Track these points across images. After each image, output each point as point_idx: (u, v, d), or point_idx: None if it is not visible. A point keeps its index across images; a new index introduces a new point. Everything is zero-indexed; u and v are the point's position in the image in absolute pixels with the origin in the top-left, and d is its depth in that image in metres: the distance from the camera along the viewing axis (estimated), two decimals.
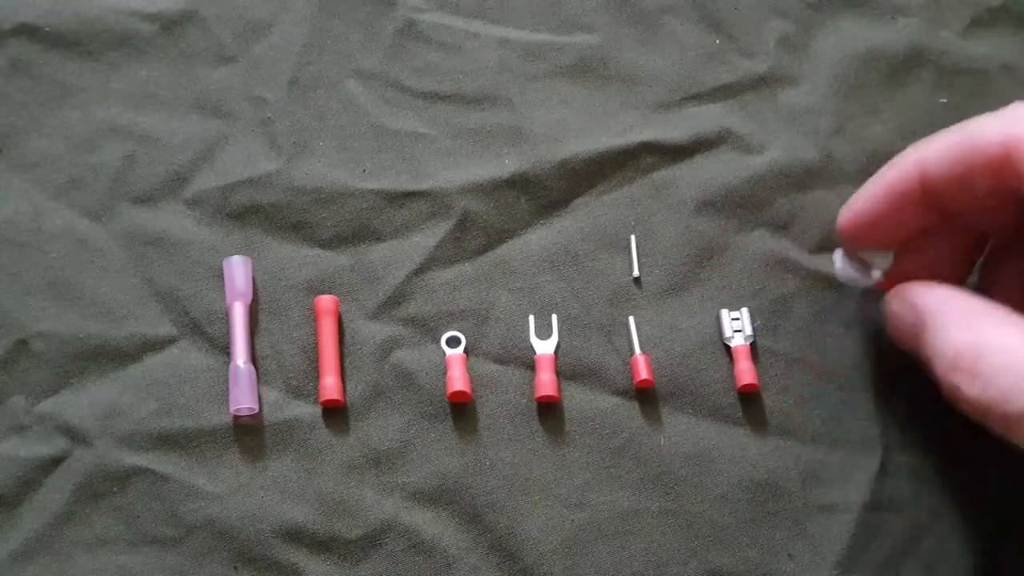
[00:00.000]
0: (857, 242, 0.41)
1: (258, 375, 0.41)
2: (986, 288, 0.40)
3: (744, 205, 0.46)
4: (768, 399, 0.42)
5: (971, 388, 0.33)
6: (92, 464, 0.40)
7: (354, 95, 0.47)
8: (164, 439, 0.40)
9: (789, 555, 0.40)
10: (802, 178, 0.46)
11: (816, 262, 0.44)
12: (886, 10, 0.51)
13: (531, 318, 0.43)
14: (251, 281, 0.43)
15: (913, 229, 0.38)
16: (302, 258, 0.44)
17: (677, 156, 0.47)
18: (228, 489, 0.40)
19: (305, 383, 0.42)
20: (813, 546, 0.40)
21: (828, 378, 0.43)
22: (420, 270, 0.44)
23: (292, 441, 0.41)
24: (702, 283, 0.44)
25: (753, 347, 0.43)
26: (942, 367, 0.35)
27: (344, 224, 0.44)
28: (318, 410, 0.41)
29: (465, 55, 0.48)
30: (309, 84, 0.47)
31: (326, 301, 0.42)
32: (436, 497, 0.40)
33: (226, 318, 0.42)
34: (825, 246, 0.45)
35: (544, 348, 0.43)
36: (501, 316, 0.43)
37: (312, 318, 0.43)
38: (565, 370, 0.42)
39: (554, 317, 0.43)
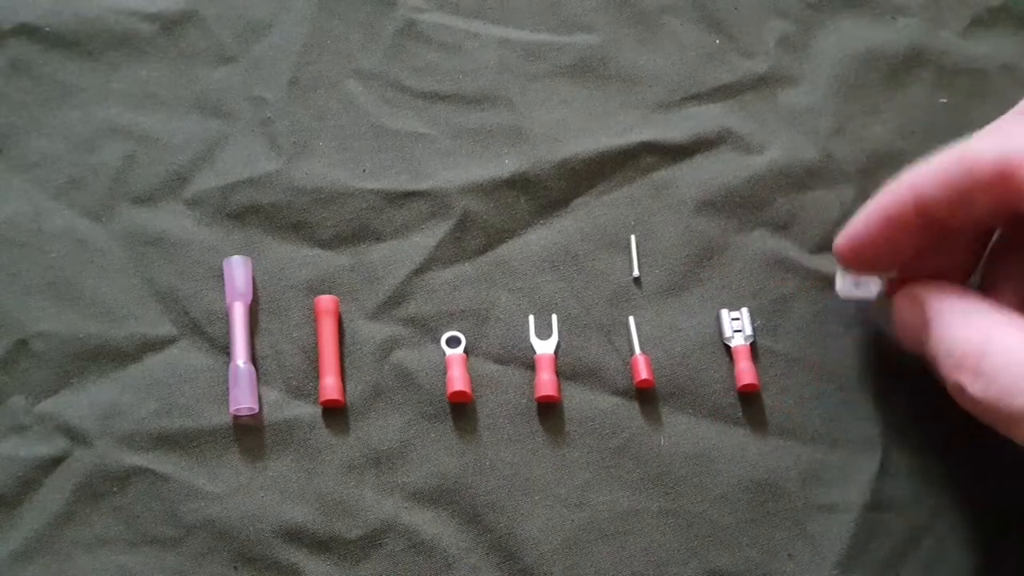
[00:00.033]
0: (855, 267, 0.41)
1: (258, 375, 0.41)
2: (988, 288, 0.40)
3: (744, 205, 0.46)
4: (768, 399, 0.42)
5: (975, 386, 0.34)
6: (92, 464, 0.40)
7: (354, 95, 0.47)
8: (164, 439, 0.40)
9: (789, 555, 0.40)
10: (802, 178, 0.46)
11: (816, 262, 0.44)
12: (886, 10, 0.51)
13: (531, 318, 0.43)
14: (251, 281, 0.43)
15: (910, 251, 0.38)
16: (302, 258, 0.44)
17: (677, 156, 0.47)
18: (228, 489, 0.40)
19: (305, 383, 0.42)
20: (813, 546, 0.40)
21: (828, 378, 0.43)
22: (420, 270, 0.44)
23: (292, 441, 0.41)
24: (702, 283, 0.44)
25: (753, 347, 0.43)
26: (948, 366, 0.35)
27: (344, 224, 0.44)
28: (318, 410, 0.41)
29: (465, 55, 0.48)
30: (309, 84, 0.47)
31: (326, 301, 0.42)
32: (436, 497, 0.40)
33: (226, 318, 0.42)
34: (825, 246, 0.45)
35: (544, 348, 0.43)
36: (501, 316, 0.43)
37: (312, 318, 0.43)
38: (565, 370, 0.42)
39: (554, 317, 0.43)
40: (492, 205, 0.45)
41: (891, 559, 0.40)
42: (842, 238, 0.40)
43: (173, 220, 0.44)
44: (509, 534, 0.39)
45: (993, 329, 0.34)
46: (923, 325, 0.37)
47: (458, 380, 0.41)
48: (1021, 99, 0.38)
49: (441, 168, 0.46)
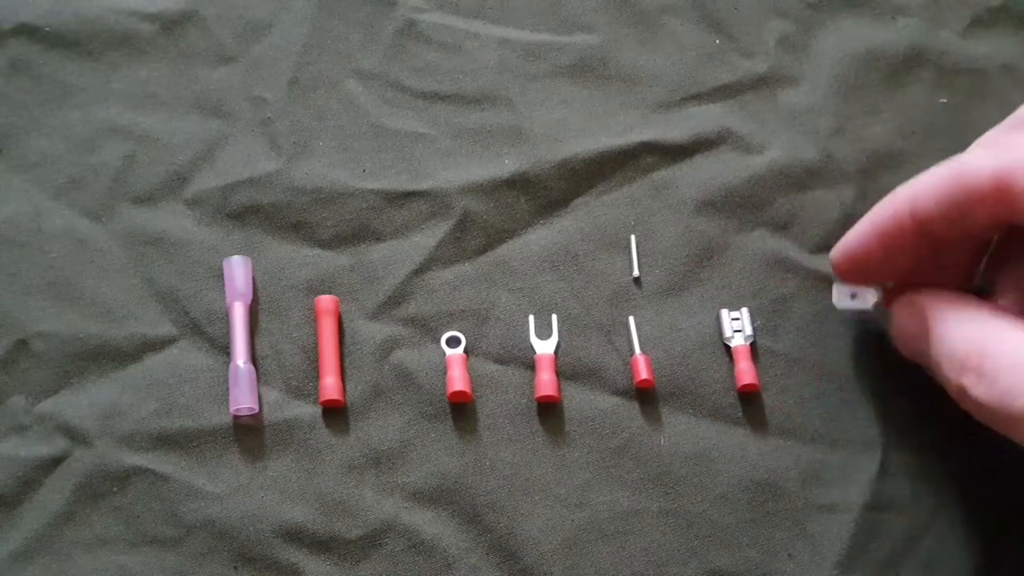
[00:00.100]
0: (852, 279, 0.41)
1: (258, 375, 0.41)
2: (988, 293, 0.41)
3: (744, 205, 0.46)
4: (768, 399, 0.42)
5: (977, 389, 0.34)
6: (92, 464, 0.40)
7: (354, 95, 0.47)
8: (164, 439, 0.40)
9: (789, 555, 0.40)
10: (802, 178, 0.46)
11: (816, 262, 0.44)
12: (886, 10, 0.51)
13: (531, 318, 0.43)
14: (251, 281, 0.43)
15: (908, 263, 0.38)
16: (302, 258, 0.44)
17: (677, 156, 0.47)
18: (228, 489, 0.40)
19: (305, 383, 0.42)
20: (813, 546, 0.40)
21: (828, 378, 0.43)
22: (420, 270, 0.44)
23: (292, 441, 0.41)
24: (702, 283, 0.44)
25: (753, 347, 0.43)
26: (951, 369, 0.35)
27: (344, 224, 0.44)
28: (318, 410, 0.41)
29: (465, 55, 0.48)
30: (309, 84, 0.47)
31: (326, 301, 0.42)
32: (436, 497, 0.40)
33: (226, 318, 0.42)
34: (825, 246, 0.44)
35: (544, 348, 0.43)
36: (501, 316, 0.43)
37: (312, 318, 0.43)
38: (565, 370, 0.42)
39: (554, 317, 0.43)
40: (492, 205, 0.45)
41: (891, 559, 0.40)
42: (838, 251, 0.40)
43: (173, 220, 0.44)
44: (509, 534, 0.39)
45: (993, 331, 0.35)
46: (924, 332, 0.37)
47: (458, 380, 0.41)
48: (1021, 100, 0.38)
49: (441, 168, 0.46)
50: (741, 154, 0.47)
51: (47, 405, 0.41)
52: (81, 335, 0.42)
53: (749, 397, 0.42)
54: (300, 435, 0.41)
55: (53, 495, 0.39)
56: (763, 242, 0.45)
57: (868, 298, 0.41)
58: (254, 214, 0.44)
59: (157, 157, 0.45)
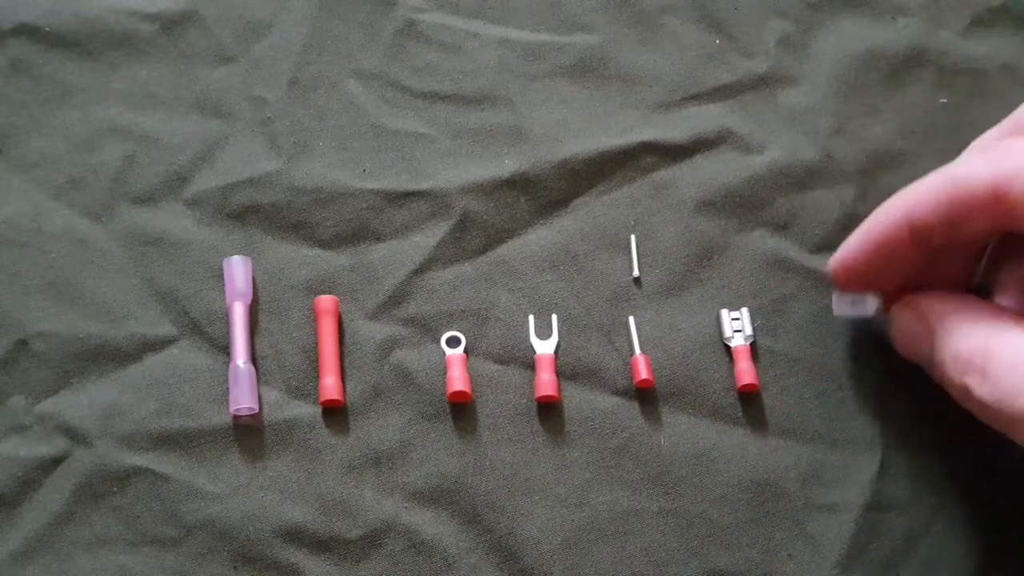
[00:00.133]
0: (851, 288, 0.41)
1: (258, 375, 0.41)
2: (989, 292, 0.41)
3: (744, 205, 0.46)
4: (768, 399, 0.42)
5: (981, 388, 0.34)
6: (92, 464, 0.40)
7: (354, 95, 0.47)
8: (164, 439, 0.40)
9: (789, 555, 0.40)
10: (802, 178, 0.46)
11: (816, 262, 0.44)
12: (886, 10, 0.51)
13: (531, 318, 0.43)
14: (251, 281, 0.43)
15: (906, 270, 0.38)
16: (302, 258, 0.44)
17: (677, 156, 0.47)
18: (228, 489, 0.40)
19: (305, 383, 0.42)
20: (813, 546, 0.40)
21: (828, 378, 0.43)
22: (420, 270, 0.44)
23: (292, 441, 0.41)
24: (702, 283, 0.44)
25: (753, 347, 0.43)
26: (955, 370, 0.35)
27: (344, 224, 0.44)
28: (318, 410, 0.41)
29: (465, 55, 0.48)
30: (309, 84, 0.47)
31: (326, 301, 0.42)
32: (436, 497, 0.40)
33: (226, 318, 0.42)
34: (825, 246, 0.45)
35: (544, 348, 0.43)
36: (501, 316, 0.43)
37: (312, 318, 0.43)
38: (565, 370, 0.42)
39: (554, 317, 0.43)
40: (492, 205, 0.45)
41: (891, 559, 0.40)
42: (836, 261, 0.40)
43: (173, 220, 0.44)
44: (509, 534, 0.39)
45: (997, 332, 0.35)
46: (926, 334, 0.37)
47: (458, 380, 0.41)
48: (1021, 100, 0.38)
49: (441, 168, 0.46)
50: (741, 154, 0.47)
51: (47, 405, 0.41)
52: (81, 335, 0.42)
53: (749, 397, 0.42)
54: (300, 435, 0.41)
55: (53, 495, 0.39)
56: (763, 242, 0.45)
57: (868, 305, 0.41)
58: (254, 214, 0.44)
59: (157, 157, 0.45)
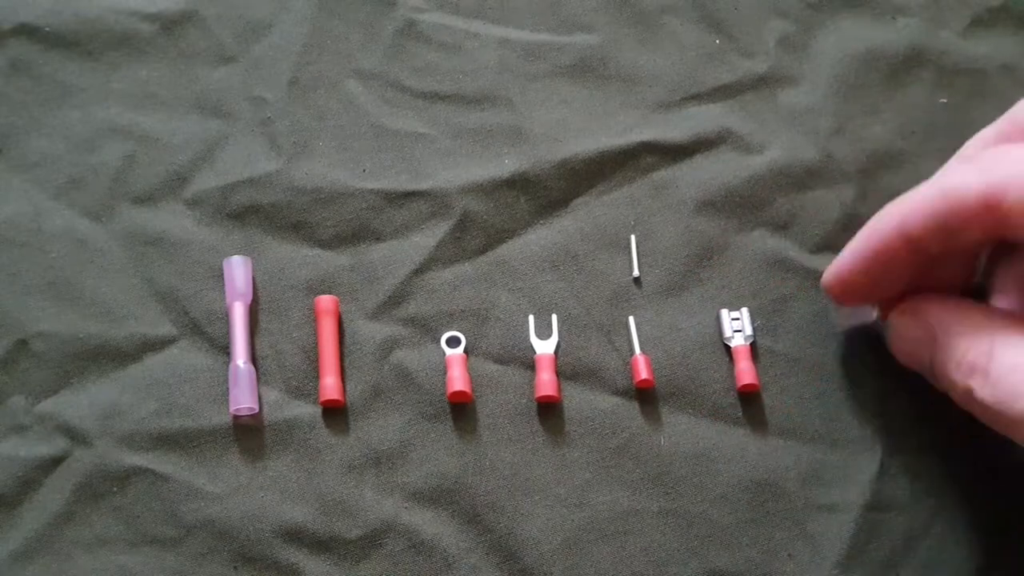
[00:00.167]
0: (846, 302, 0.41)
1: (258, 375, 0.41)
2: (988, 293, 0.41)
3: (744, 205, 0.46)
4: (768, 399, 0.42)
5: (984, 391, 0.34)
6: (92, 464, 0.40)
7: (354, 95, 0.47)
8: (164, 439, 0.40)
9: (789, 555, 0.40)
10: (802, 178, 0.46)
11: (816, 262, 0.44)
12: (886, 10, 0.51)
13: (531, 318, 0.43)
14: (251, 281, 0.43)
15: (901, 282, 0.38)
16: (302, 258, 0.44)
17: (677, 156, 0.47)
18: (228, 489, 0.40)
19: (305, 383, 0.42)
20: (813, 546, 0.40)
21: (828, 378, 0.43)
22: (420, 270, 0.44)
23: (292, 441, 0.41)
24: (702, 283, 0.44)
25: (753, 347, 0.43)
26: (959, 373, 0.35)
27: (344, 224, 0.44)
28: (318, 410, 0.41)
29: (465, 55, 0.48)
30: (309, 84, 0.47)
31: (326, 301, 0.42)
32: (436, 497, 0.40)
33: (226, 318, 0.42)
34: (825, 246, 0.45)
35: (544, 348, 0.43)
36: (501, 316, 0.43)
37: (312, 318, 0.43)
38: (565, 370, 0.42)
39: (554, 317, 0.43)
40: (492, 205, 0.45)
41: (891, 559, 0.40)
42: (831, 275, 0.40)
43: (173, 220, 0.44)
44: (509, 534, 0.39)
45: (998, 334, 0.35)
46: (927, 340, 0.37)
47: (458, 380, 0.41)
48: (1020, 99, 0.38)
49: (441, 168, 0.46)
50: (741, 154, 0.47)
51: (47, 405, 0.41)
52: (81, 335, 0.42)
53: (749, 397, 0.42)
54: (300, 435, 0.41)
55: (53, 495, 0.39)
56: (763, 242, 0.45)
57: (869, 314, 0.41)
58: (254, 214, 0.44)
59: (157, 157, 0.45)
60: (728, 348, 0.43)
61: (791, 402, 0.42)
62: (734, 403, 0.42)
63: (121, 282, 0.43)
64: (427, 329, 0.43)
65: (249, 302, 0.42)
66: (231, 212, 0.44)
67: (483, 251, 0.44)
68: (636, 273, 0.44)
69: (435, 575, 0.39)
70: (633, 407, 0.42)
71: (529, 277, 0.44)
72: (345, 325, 0.43)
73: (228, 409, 0.41)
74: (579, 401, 0.42)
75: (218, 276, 0.43)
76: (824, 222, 0.45)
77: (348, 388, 0.42)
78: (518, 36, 0.49)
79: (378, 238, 0.44)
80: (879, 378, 0.42)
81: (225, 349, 0.42)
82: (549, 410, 0.42)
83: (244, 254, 0.43)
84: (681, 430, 0.42)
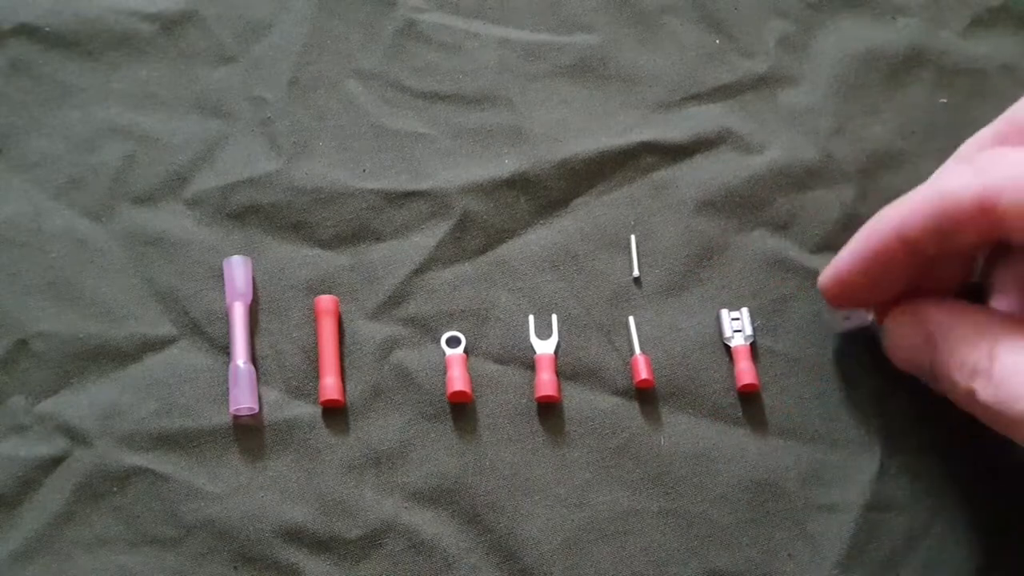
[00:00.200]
0: (843, 304, 0.41)
1: (258, 375, 0.41)
2: (987, 293, 0.41)
3: (744, 205, 0.46)
4: (768, 399, 0.42)
5: (985, 391, 0.34)
6: (92, 464, 0.40)
7: (354, 95, 0.47)
8: (164, 439, 0.40)
9: (789, 555, 0.40)
10: (802, 178, 0.46)
11: (816, 262, 0.44)
12: (886, 10, 0.51)
13: (531, 318, 0.43)
14: (251, 281, 0.43)
15: (899, 284, 0.38)
16: (302, 258, 0.44)
17: (677, 156, 0.47)
18: (228, 489, 0.40)
19: (305, 383, 0.42)
20: (813, 546, 0.40)
21: (828, 378, 0.43)
22: (420, 270, 0.44)
23: (292, 441, 0.41)
24: (702, 283, 0.44)
25: (753, 347, 0.43)
26: (961, 375, 0.35)
27: (344, 224, 0.44)
28: (318, 410, 0.41)
29: (465, 55, 0.48)
30: (309, 84, 0.47)
31: (326, 301, 0.42)
32: (436, 497, 0.40)
33: (226, 318, 0.42)
34: (825, 246, 0.45)
35: (544, 348, 0.43)
36: (501, 316, 0.43)
37: (312, 318, 0.43)
38: (565, 370, 0.42)
39: (554, 317, 0.43)
40: (492, 205, 0.45)
41: (891, 559, 0.40)
42: (827, 277, 0.40)
43: (173, 220, 0.44)
44: (509, 534, 0.39)
45: (1000, 336, 0.35)
46: (926, 343, 0.37)
47: (458, 380, 0.41)
48: (1020, 99, 0.38)
49: (441, 168, 0.46)
50: (741, 154, 0.47)
51: (47, 405, 0.41)
52: (81, 335, 0.42)
53: (749, 397, 0.42)
54: (300, 435, 0.41)
55: (53, 495, 0.39)
56: (763, 242, 0.45)
57: (864, 317, 0.41)
58: (254, 214, 0.44)
59: (157, 157, 0.45)
60: (728, 348, 0.43)
61: (791, 402, 0.42)
62: (734, 403, 0.42)
63: (121, 282, 0.43)
64: (427, 329, 0.43)
65: (249, 302, 0.42)
66: (231, 212, 0.44)
67: (483, 251, 0.44)
68: (636, 273, 0.44)
69: (435, 575, 0.39)
70: (633, 407, 0.42)
71: (529, 277, 0.44)
72: (345, 325, 0.43)
73: (228, 409, 0.41)
74: (579, 401, 0.42)
75: (218, 276, 0.43)
76: (824, 222, 0.45)
77: (348, 388, 0.42)
78: (518, 36, 0.49)
79: (378, 238, 0.44)
80: (879, 378, 0.42)
81: (225, 349, 0.42)
82: (549, 410, 0.42)
83: (244, 254, 0.43)
84: (681, 430, 0.42)
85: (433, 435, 0.41)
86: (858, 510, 0.40)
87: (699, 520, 0.40)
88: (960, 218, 0.34)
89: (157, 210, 0.44)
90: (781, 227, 0.46)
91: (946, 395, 0.37)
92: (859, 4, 0.51)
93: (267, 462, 0.40)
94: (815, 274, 0.44)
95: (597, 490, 0.40)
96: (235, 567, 0.39)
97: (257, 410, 0.41)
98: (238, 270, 0.43)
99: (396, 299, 0.43)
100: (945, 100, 0.49)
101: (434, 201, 0.45)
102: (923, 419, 0.42)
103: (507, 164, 0.46)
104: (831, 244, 0.44)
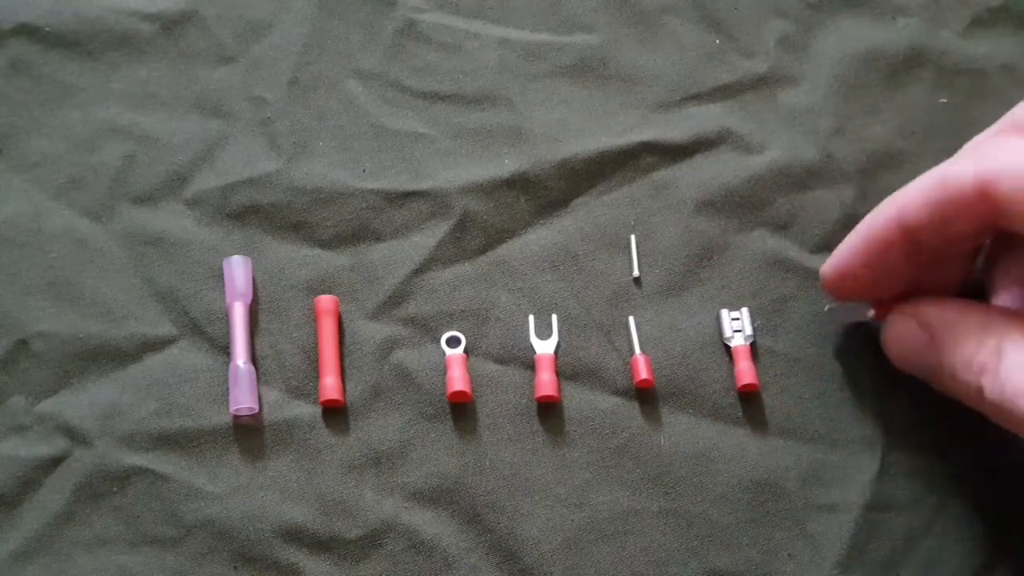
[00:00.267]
0: (844, 295, 0.41)
1: (258, 375, 0.41)
2: (988, 292, 0.41)
3: (744, 205, 0.46)
4: (768, 399, 0.42)
5: (993, 388, 0.34)
6: (92, 464, 0.40)
7: (354, 95, 0.47)
8: (164, 439, 0.40)
9: (789, 555, 0.40)
10: (802, 178, 0.46)
11: (816, 262, 0.44)
12: (886, 10, 0.51)
13: (531, 318, 0.43)
14: (251, 281, 0.43)
15: (899, 277, 0.38)
16: (302, 258, 0.44)
17: (677, 156, 0.47)
18: (228, 489, 0.40)
19: (305, 383, 0.42)
20: (813, 546, 0.40)
21: (828, 378, 0.43)
22: (420, 270, 0.44)
23: (292, 441, 0.41)
24: (702, 283, 0.44)
25: (753, 347, 0.43)
26: (971, 373, 0.35)
27: (344, 224, 0.44)
28: (318, 410, 0.41)
29: (465, 55, 0.48)
30: (309, 84, 0.47)
31: (326, 301, 0.42)
32: (436, 497, 0.40)
33: (226, 318, 0.42)
34: (825, 246, 0.45)
35: (544, 348, 0.43)
36: (501, 316, 0.43)
37: (312, 318, 0.43)
38: (565, 370, 0.42)
39: (554, 317, 0.43)
40: (492, 205, 0.45)
41: (891, 559, 0.40)
42: (828, 267, 0.40)
43: (173, 220, 0.44)
44: (509, 534, 0.39)
45: (1007, 332, 0.35)
46: (929, 343, 0.37)
47: (458, 380, 0.41)
48: (1021, 100, 0.38)
49: (441, 168, 0.46)
50: (741, 154, 0.47)
51: (47, 405, 0.41)
52: (81, 335, 0.42)
53: (749, 397, 0.42)
54: (300, 435, 0.41)
55: (53, 495, 0.39)
56: (763, 242, 0.45)
57: (862, 312, 0.41)
58: (254, 214, 0.44)
59: (157, 157, 0.45)
60: (728, 348, 0.43)
61: (791, 402, 0.42)
62: (734, 403, 0.42)
63: (121, 282, 0.43)
64: (427, 329, 0.43)
65: (249, 302, 0.42)
66: (231, 212, 0.44)
67: (483, 251, 0.44)
68: (636, 273, 0.44)
69: (435, 575, 0.39)
70: (633, 407, 0.42)
71: (529, 277, 0.44)
72: (345, 325, 0.43)
73: (228, 409, 0.41)
74: (579, 401, 0.42)
75: (218, 276, 0.43)
76: (824, 222, 0.46)
77: (348, 388, 0.42)
78: (518, 36, 0.49)
79: (378, 238, 0.44)
80: (879, 378, 0.42)
81: (225, 349, 0.42)
82: (549, 410, 0.42)
83: (244, 254, 0.43)
84: (681, 430, 0.42)
85: (433, 435, 0.41)
86: (858, 510, 0.40)
87: (699, 520, 0.40)
88: (960, 204, 0.34)
89: (157, 210, 0.44)
90: (781, 227, 0.46)
91: (948, 395, 0.37)
92: (859, 4, 0.51)
93: (267, 462, 0.40)
94: (815, 274, 0.44)
95: (597, 490, 0.40)
96: (235, 567, 0.39)
97: (257, 410, 0.41)
98: (238, 270, 0.43)
99: (396, 299, 0.43)
100: (945, 100, 0.49)
101: (434, 201, 0.45)
102: (923, 419, 0.42)
103: (507, 164, 0.46)
104: (831, 244, 0.44)
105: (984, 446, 0.40)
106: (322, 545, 0.39)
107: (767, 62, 0.49)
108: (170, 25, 0.48)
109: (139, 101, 0.47)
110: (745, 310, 0.43)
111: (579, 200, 0.46)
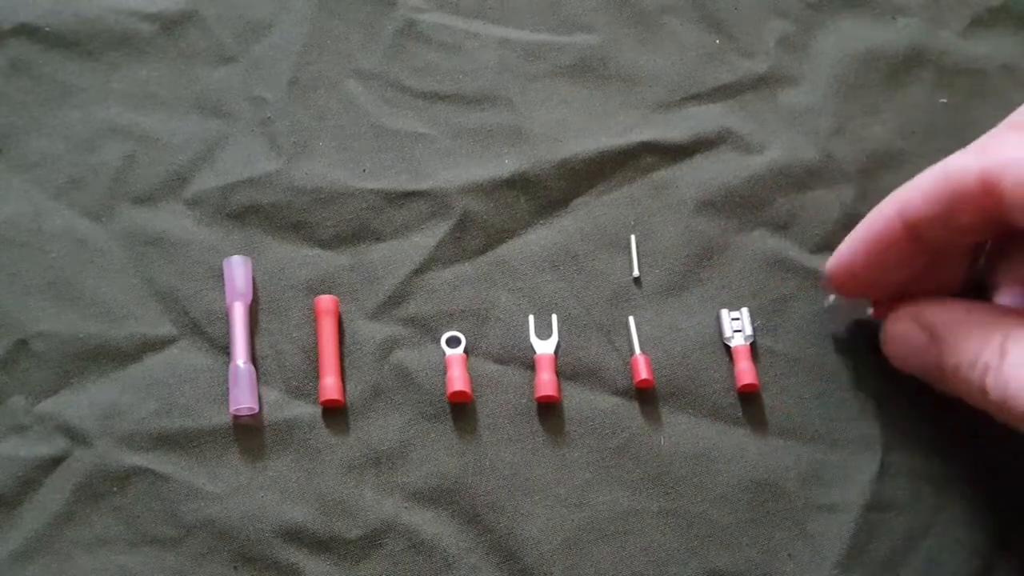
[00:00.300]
0: (848, 291, 0.41)
1: (258, 375, 0.41)
2: (989, 291, 0.41)
3: (744, 205, 0.46)
4: (768, 399, 0.42)
5: (996, 387, 0.34)
6: (92, 464, 0.40)
7: (354, 95, 0.47)
8: (164, 439, 0.40)
9: (789, 555, 0.40)
10: (802, 178, 0.46)
11: (816, 262, 0.44)
12: (886, 10, 0.51)
13: (531, 318, 0.43)
14: (251, 281, 0.43)
15: (902, 273, 0.38)
16: (302, 258, 0.44)
17: (677, 156, 0.47)
18: (228, 489, 0.40)
19: (305, 383, 0.42)
20: (813, 546, 0.40)
21: (828, 378, 0.43)
22: (420, 270, 0.44)
23: (292, 441, 0.41)
24: (702, 283, 0.44)
25: (753, 347, 0.43)
26: (975, 372, 0.35)
27: (344, 224, 0.44)
28: (318, 410, 0.41)
29: (465, 55, 0.48)
30: (309, 84, 0.47)
31: (326, 301, 0.42)
32: (436, 497, 0.40)
33: (226, 318, 0.42)
34: (825, 246, 0.45)
35: (544, 348, 0.43)
36: (501, 316, 0.43)
37: (312, 318, 0.43)
38: (565, 370, 0.42)
39: (554, 317, 0.43)
40: (492, 205, 0.45)
41: (891, 559, 0.40)
42: (832, 263, 0.40)
43: (173, 220, 0.44)
44: (509, 534, 0.39)
45: (1011, 329, 0.35)
46: (932, 344, 0.37)
47: (458, 380, 0.41)
48: (1021, 100, 0.38)
49: (441, 168, 0.46)
50: (741, 154, 0.47)
51: (47, 405, 0.41)
52: (81, 335, 0.42)
53: (749, 397, 0.42)
54: (300, 435, 0.41)
55: (53, 495, 0.39)
56: (763, 242, 0.45)
57: (862, 311, 0.41)
58: (254, 214, 0.44)
59: (157, 157, 0.45)
60: (728, 348, 0.43)
61: (791, 402, 0.42)
62: (734, 403, 0.42)
63: (121, 282, 0.43)
64: (427, 329, 0.43)
65: (249, 302, 0.42)
66: (231, 212, 0.44)
67: (483, 251, 0.44)
68: (636, 273, 0.44)
69: (435, 575, 0.39)
70: (633, 407, 0.42)
71: (529, 277, 0.44)
72: (345, 325, 0.43)
73: (228, 409, 0.41)
74: (579, 401, 0.42)
75: (218, 276, 0.43)
76: (824, 222, 0.46)
77: (348, 388, 0.42)
78: (518, 36, 0.49)
79: (378, 238, 0.44)
80: (879, 378, 0.42)
81: (225, 349, 0.42)
82: (549, 410, 0.42)
83: (244, 254, 0.43)
84: (681, 430, 0.42)
85: (433, 435, 0.41)
86: (858, 510, 0.40)
87: (699, 520, 0.40)
88: (963, 197, 0.34)
89: (157, 210, 0.44)
90: (781, 227, 0.46)
91: (950, 395, 0.37)
92: (859, 4, 0.51)
93: (267, 462, 0.40)
94: (815, 274, 0.44)
95: (597, 490, 0.40)
96: (235, 567, 0.39)
97: (257, 410, 0.41)
98: (238, 270, 0.43)
99: (396, 299, 0.43)
100: (945, 100, 0.49)
101: (434, 201, 0.45)
102: (923, 419, 0.42)
103: (507, 164, 0.46)
104: (831, 244, 0.44)
105: (985, 446, 0.40)
106: (322, 545, 0.39)
107: (767, 62, 0.49)
108: (170, 25, 0.48)
109: (139, 101, 0.47)
110: (745, 310, 0.43)
111: (579, 200, 0.46)
